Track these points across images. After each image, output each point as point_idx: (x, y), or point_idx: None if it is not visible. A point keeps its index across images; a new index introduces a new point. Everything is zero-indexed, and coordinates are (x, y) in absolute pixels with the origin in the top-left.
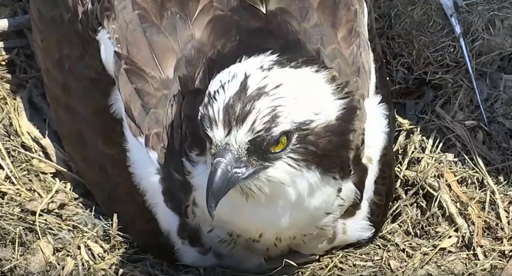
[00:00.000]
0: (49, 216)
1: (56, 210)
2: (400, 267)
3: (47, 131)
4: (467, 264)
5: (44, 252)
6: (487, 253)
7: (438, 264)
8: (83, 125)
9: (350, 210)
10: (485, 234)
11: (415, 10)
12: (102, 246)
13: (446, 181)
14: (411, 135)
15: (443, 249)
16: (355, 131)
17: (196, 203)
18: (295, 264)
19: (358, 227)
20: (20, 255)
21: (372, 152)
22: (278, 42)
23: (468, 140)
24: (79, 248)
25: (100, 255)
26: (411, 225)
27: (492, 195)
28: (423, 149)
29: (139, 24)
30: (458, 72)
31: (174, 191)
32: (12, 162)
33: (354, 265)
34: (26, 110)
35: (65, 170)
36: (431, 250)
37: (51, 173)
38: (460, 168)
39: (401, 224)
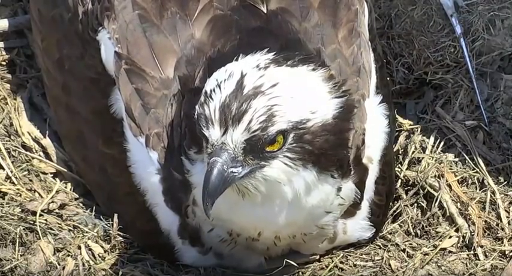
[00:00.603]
0: (49, 216)
1: (57, 210)
2: (401, 268)
3: (47, 131)
4: (468, 264)
5: (44, 252)
6: (487, 253)
7: (439, 264)
8: (83, 125)
9: (350, 210)
10: (486, 234)
11: (415, 10)
12: (102, 246)
13: (446, 181)
14: (411, 135)
15: (444, 249)
16: (352, 129)
17: (196, 202)
18: (295, 264)
19: (358, 227)
20: (21, 255)
21: (372, 152)
22: (278, 41)
23: (468, 140)
24: (79, 248)
25: (100, 255)
26: (412, 226)
27: (492, 195)
28: (423, 149)
29: (140, 24)
30: (459, 72)
31: (175, 191)
32: (12, 162)
33: (355, 265)
34: (27, 110)
35: (65, 170)
36: (431, 250)
37: (51, 173)
38: (460, 168)
39: (401, 224)
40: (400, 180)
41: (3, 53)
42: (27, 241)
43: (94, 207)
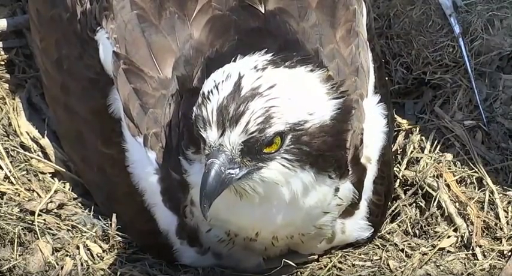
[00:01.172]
0: (48, 216)
1: (55, 210)
2: (399, 267)
3: (46, 131)
4: (466, 264)
5: (42, 252)
6: (486, 253)
7: (437, 264)
8: (82, 125)
9: (349, 210)
10: (484, 234)
11: (414, 10)
12: (101, 246)
13: (445, 181)
14: (410, 135)
15: (442, 249)
16: (350, 130)
17: (194, 202)
18: (294, 264)
19: (357, 226)
20: (19, 255)
21: (370, 152)
22: (277, 42)
23: (467, 140)
24: (78, 248)
25: (99, 255)
26: (410, 225)
27: (491, 195)
28: (422, 149)
29: (138, 24)
30: (457, 72)
31: (173, 191)
32: (11, 162)
33: (353, 265)
34: (25, 110)
35: (64, 170)
36: (430, 250)
37: (50, 173)
38: (459, 168)
39: (400, 224)
40: (398, 180)
41: (2, 53)
42: (26, 241)
43: (93, 207)
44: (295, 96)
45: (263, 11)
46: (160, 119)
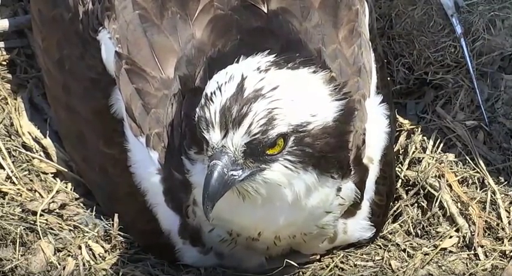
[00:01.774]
0: (50, 216)
1: (57, 210)
2: (401, 267)
3: (47, 131)
4: (468, 264)
5: (44, 252)
6: (487, 253)
7: (439, 264)
8: (84, 125)
9: (351, 210)
10: (486, 234)
11: (415, 10)
12: (103, 246)
13: (447, 181)
14: (412, 135)
15: (444, 249)
16: (352, 132)
17: (196, 202)
18: (296, 264)
19: (358, 226)
20: (21, 255)
21: (372, 152)
22: (279, 42)
23: (469, 140)
24: (80, 248)
25: (101, 255)
26: (412, 225)
27: (493, 195)
28: (424, 149)
29: (140, 24)
30: (459, 72)
31: (175, 191)
32: (13, 162)
33: (355, 265)
34: (27, 110)
35: (66, 170)
36: (432, 250)
37: (52, 173)
38: (460, 168)
39: (402, 224)
40: (400, 180)
41: (4, 53)
42: (28, 241)
43: (94, 207)
44: (298, 98)
45: (265, 11)
46: (162, 119)
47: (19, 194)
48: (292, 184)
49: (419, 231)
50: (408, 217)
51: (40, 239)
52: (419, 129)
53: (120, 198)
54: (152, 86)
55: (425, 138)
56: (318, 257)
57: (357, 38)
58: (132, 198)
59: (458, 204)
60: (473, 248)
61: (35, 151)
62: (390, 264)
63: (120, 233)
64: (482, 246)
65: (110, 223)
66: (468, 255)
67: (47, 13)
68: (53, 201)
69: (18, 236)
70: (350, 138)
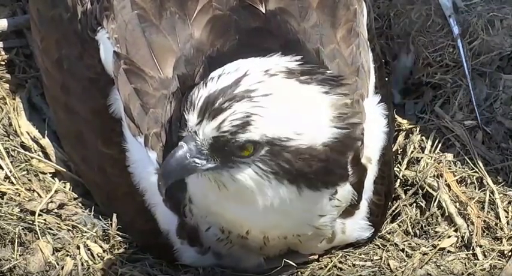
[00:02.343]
0: (48, 216)
1: (56, 210)
2: (400, 267)
3: (46, 131)
4: (467, 264)
5: (43, 252)
6: (486, 253)
7: (437, 264)
8: (82, 125)
9: (349, 210)
10: (485, 234)
11: (413, 10)
12: (101, 246)
13: (445, 181)
14: (410, 135)
15: (443, 249)
16: (345, 163)
17: (192, 200)
18: (294, 264)
19: (357, 226)
20: (20, 255)
21: (371, 152)
22: (278, 42)
23: (467, 140)
24: (78, 247)
25: (99, 255)
26: (410, 225)
27: (491, 195)
28: (422, 149)
29: (139, 24)
30: (458, 72)
31: (173, 191)
32: (11, 162)
33: (353, 265)
34: (26, 110)
35: (65, 170)
36: (430, 250)
37: (50, 173)
38: (459, 168)
39: (400, 223)
40: (399, 180)
41: (2, 53)
42: (26, 241)
43: (93, 207)
44: (286, 112)
45: (264, 11)
46: (160, 119)
47: (17, 194)
48: (264, 192)
49: (417, 231)
50: (407, 217)
51: (38, 238)
52: (418, 129)
53: (119, 198)
54: (151, 86)
55: (423, 138)
56: (317, 257)
57: (355, 38)
58: (131, 198)
59: (457, 204)
60: (471, 247)
61: (33, 151)
62: (389, 264)
63: (118, 232)
64: (480, 246)
65: (108, 223)
66: (467, 255)
67: (45, 13)
68: (51, 201)
69: (16, 235)
70: (342, 168)
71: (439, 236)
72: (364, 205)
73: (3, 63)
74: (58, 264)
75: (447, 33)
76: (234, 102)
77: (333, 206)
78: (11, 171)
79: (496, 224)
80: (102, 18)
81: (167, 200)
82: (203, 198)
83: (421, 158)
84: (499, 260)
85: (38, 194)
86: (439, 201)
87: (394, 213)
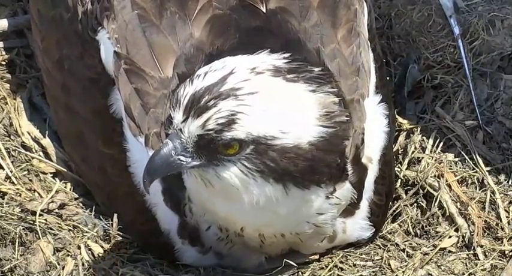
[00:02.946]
0: (49, 216)
1: (56, 210)
2: (400, 267)
3: (47, 131)
4: (468, 264)
5: (44, 252)
6: (487, 253)
7: (438, 264)
8: (83, 125)
9: (349, 210)
10: (486, 234)
11: (414, 10)
12: (102, 246)
13: (446, 181)
14: (411, 135)
15: (444, 249)
16: (333, 162)
17: (191, 199)
18: (295, 264)
19: (357, 226)
20: (20, 255)
21: (371, 152)
22: (278, 41)
23: (468, 140)
24: (79, 247)
25: (100, 255)
26: (411, 225)
27: (492, 195)
28: (423, 149)
29: (139, 24)
30: (458, 72)
31: (173, 190)
32: (12, 162)
33: (354, 265)
34: (26, 110)
35: (65, 170)
36: (431, 250)
37: (51, 173)
38: (460, 168)
39: (401, 223)
40: (399, 180)
41: (3, 53)
42: (27, 241)
43: (94, 207)
44: (272, 111)
45: (264, 11)
46: (161, 119)
47: (18, 194)
48: (250, 190)
49: (418, 231)
50: (407, 217)
51: (39, 238)
52: (419, 129)
53: (119, 198)
54: (151, 86)
55: (424, 138)
56: (317, 256)
57: (356, 38)
58: (131, 198)
59: (458, 204)
60: (472, 247)
61: (34, 151)
62: (389, 264)
63: (119, 232)
64: (481, 246)
65: (109, 223)
66: (467, 255)
67: (46, 13)
68: (52, 201)
69: (17, 235)
70: (330, 166)
71: (440, 236)
72: (364, 205)
73: (4, 63)
74: (59, 264)
75: (448, 33)
76: (220, 100)
77: (332, 204)
78: (11, 171)
79: (497, 224)
80: (102, 19)
81: (168, 200)
82: (198, 195)
83: (422, 158)
84: (500, 260)
85: (39, 194)
86: (439, 201)
87: (394, 213)
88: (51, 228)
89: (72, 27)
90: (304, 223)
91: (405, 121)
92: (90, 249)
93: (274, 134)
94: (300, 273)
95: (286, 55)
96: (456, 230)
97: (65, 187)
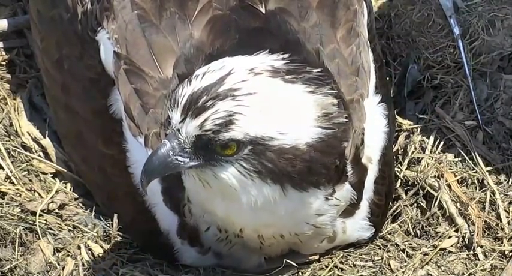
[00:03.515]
0: (49, 216)
1: (56, 211)
2: (400, 268)
3: (47, 131)
4: (468, 264)
5: (44, 253)
6: (487, 253)
7: (438, 264)
8: (83, 125)
9: (349, 210)
10: (486, 234)
11: (414, 10)
12: (102, 247)
13: (446, 181)
14: (411, 135)
15: (444, 249)
16: (331, 163)
17: (190, 199)
18: (295, 265)
19: (357, 226)
20: (20, 256)
21: (371, 152)
22: (278, 41)
23: (468, 140)
24: (79, 248)
25: (100, 255)
26: (411, 226)
27: (492, 195)
28: (423, 149)
29: (139, 24)
30: (458, 72)
31: (173, 191)
32: (12, 162)
33: (354, 265)
34: (26, 110)
35: (65, 170)
36: (431, 250)
37: (51, 173)
38: (460, 168)
39: (401, 224)
40: (399, 180)
41: (3, 53)
42: (27, 241)
43: (94, 208)
44: (269, 111)
45: (263, 11)
46: (161, 119)
47: (18, 194)
48: (247, 191)
49: (418, 232)
50: (407, 217)
51: (39, 239)
52: (419, 129)
53: (119, 198)
54: (151, 86)
55: (424, 138)
56: (317, 257)
57: (355, 38)
58: (131, 198)
59: (458, 204)
60: (472, 248)
61: (34, 151)
62: (389, 265)
63: (119, 233)
64: (481, 247)
65: (109, 223)
66: (467, 255)
67: (45, 13)
68: (52, 202)
69: (17, 236)
70: (327, 168)
71: (440, 237)
72: (364, 205)
73: (3, 63)
74: (59, 265)
75: (448, 33)
76: (218, 100)
77: (331, 205)
78: (11, 172)
79: (497, 225)
80: (102, 19)
81: (167, 200)
82: (197, 196)
83: (422, 158)
84: (500, 260)
85: (39, 194)
86: (439, 201)
87: (394, 214)
88: (51, 229)
89: (72, 27)
90: (303, 224)
91: (405, 121)
92: (90, 250)
93: (272, 135)
94: (300, 273)
95: (285, 56)
96: (456, 230)
97: (65, 187)
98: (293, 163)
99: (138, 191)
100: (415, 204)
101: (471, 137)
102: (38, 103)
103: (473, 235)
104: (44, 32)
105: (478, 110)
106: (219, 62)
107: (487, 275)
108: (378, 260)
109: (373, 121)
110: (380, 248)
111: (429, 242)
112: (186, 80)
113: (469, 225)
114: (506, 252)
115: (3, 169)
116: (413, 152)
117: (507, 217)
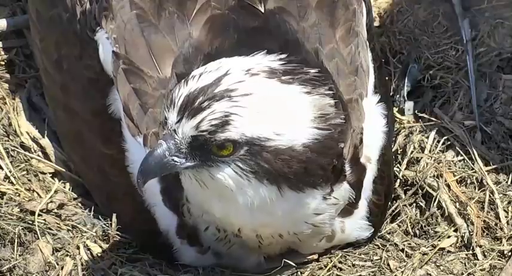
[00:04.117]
0: (48, 216)
1: (55, 210)
2: (399, 267)
3: (46, 131)
4: (467, 264)
5: (43, 252)
6: (486, 253)
7: (437, 264)
8: (82, 125)
9: (348, 209)
10: (485, 234)
11: (420, 9)
12: (101, 246)
13: (445, 181)
14: (410, 135)
15: (443, 249)
16: (327, 164)
17: (188, 199)
18: (294, 264)
19: (356, 226)
20: (19, 255)
21: (370, 152)
22: (277, 41)
23: (467, 140)
24: (78, 248)
25: (99, 255)
26: (410, 225)
27: (491, 195)
28: (422, 149)
29: (138, 24)
30: (458, 72)
31: (172, 190)
32: (11, 162)
33: (353, 265)
34: (25, 110)
35: (64, 170)
36: (430, 250)
37: (50, 173)
38: (459, 168)
39: (400, 223)
40: (398, 180)
41: (2, 52)
42: (26, 241)
43: (93, 207)
44: (266, 112)
45: (263, 11)
46: (159, 119)
47: (17, 194)
48: (244, 191)
49: (417, 231)
50: (406, 217)
51: (38, 239)
52: (418, 129)
53: (118, 198)
54: (150, 86)
55: (423, 138)
56: (316, 256)
57: (354, 38)
58: (130, 198)
59: (457, 204)
60: (471, 247)
61: (33, 151)
62: (388, 264)
63: (118, 233)
64: (480, 246)
65: (108, 223)
66: (466, 255)
67: (44, 13)
68: (51, 201)
69: (16, 235)
70: (324, 169)
71: (439, 236)
72: (363, 205)
73: (3, 63)
74: (58, 264)
75: (451, 35)
76: (214, 101)
77: (330, 204)
78: (10, 171)
79: (496, 224)
80: (101, 19)
81: (166, 200)
82: (195, 196)
83: (421, 158)
84: (499, 260)
85: (38, 194)
86: (438, 201)
87: (393, 213)
88: (50, 228)
89: (71, 27)
90: (302, 223)
91: (404, 121)
92: (89, 249)
93: (268, 136)
94: (299, 273)
95: (282, 56)
96: (455, 230)
97: (64, 187)
98: (289, 164)
99: (137, 190)
100: (414, 204)
101: (470, 137)
102: (37, 103)
103: (472, 235)
104: (43, 32)
105: (477, 110)
106: (216, 62)
107: (486, 274)
108: (377, 259)
109: (372, 121)
110: (379, 248)
111: (428, 241)
112: (183, 80)
113: (468, 225)
114: (505, 252)
115: (2, 169)
116: (412, 151)
117: (506, 217)
